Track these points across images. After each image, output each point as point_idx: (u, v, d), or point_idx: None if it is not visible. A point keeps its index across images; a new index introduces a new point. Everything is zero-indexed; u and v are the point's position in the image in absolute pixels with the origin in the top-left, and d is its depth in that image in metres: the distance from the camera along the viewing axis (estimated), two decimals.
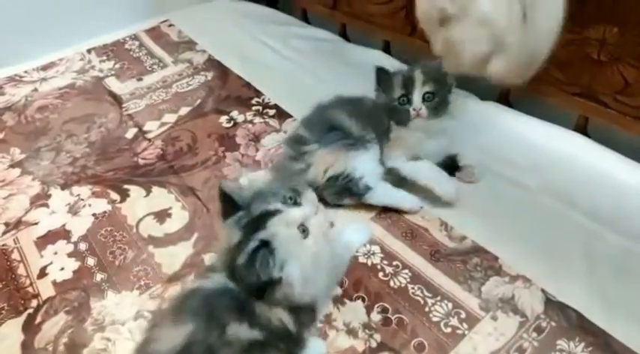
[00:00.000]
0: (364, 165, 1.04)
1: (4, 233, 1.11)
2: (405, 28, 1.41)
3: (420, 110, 1.04)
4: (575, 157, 1.11)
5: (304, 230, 0.73)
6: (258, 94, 1.43)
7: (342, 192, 1.04)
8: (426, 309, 0.88)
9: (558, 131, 1.16)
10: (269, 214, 0.72)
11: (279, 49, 1.58)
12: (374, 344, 0.84)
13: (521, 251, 0.96)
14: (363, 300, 0.91)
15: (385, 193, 1.06)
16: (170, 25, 1.80)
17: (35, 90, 1.56)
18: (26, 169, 1.27)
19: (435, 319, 0.87)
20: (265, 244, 0.70)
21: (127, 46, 1.73)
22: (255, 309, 0.70)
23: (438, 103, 1.05)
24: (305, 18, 1.78)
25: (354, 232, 1.02)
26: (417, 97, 1.04)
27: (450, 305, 0.89)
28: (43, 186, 1.22)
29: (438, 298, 0.90)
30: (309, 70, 1.47)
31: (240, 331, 0.67)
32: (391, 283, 0.93)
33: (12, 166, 1.29)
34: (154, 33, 1.78)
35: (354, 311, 0.89)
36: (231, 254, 0.72)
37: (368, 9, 1.49)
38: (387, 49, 1.52)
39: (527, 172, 1.10)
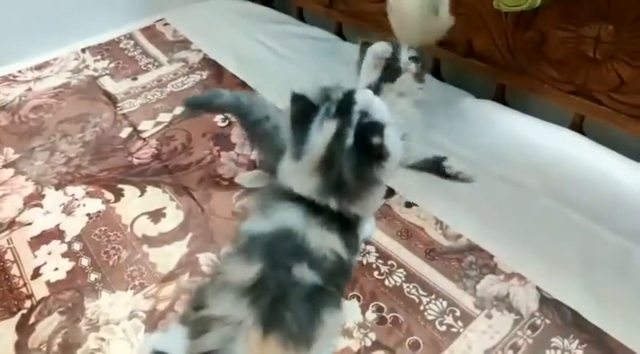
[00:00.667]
0: None
1: None
2: None
3: (409, 66, 1.11)
4: (571, 155, 1.11)
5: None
6: (253, 92, 1.43)
7: None
8: (421, 307, 0.89)
9: (554, 130, 1.17)
10: (351, 94, 0.78)
11: (275, 47, 1.58)
12: (369, 343, 0.84)
13: (516, 249, 0.96)
14: (359, 299, 0.91)
15: None
16: (165, 24, 1.80)
17: (29, 89, 1.55)
18: (20, 169, 1.27)
19: (429, 317, 0.87)
20: (365, 115, 0.76)
21: (121, 45, 1.73)
22: (311, 246, 0.75)
23: (420, 68, 1.13)
24: (301, 16, 1.79)
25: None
26: (404, 57, 1.12)
27: (445, 303, 0.89)
28: (37, 186, 1.22)
29: (433, 296, 0.90)
30: (305, 68, 1.47)
31: (304, 273, 0.73)
32: (386, 282, 0.94)
33: (5, 166, 1.29)
34: (149, 32, 1.77)
35: (350, 311, 0.89)
36: (329, 150, 0.75)
37: (363, 7, 1.49)
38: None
39: (523, 170, 1.10)
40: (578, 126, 1.18)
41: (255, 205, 0.89)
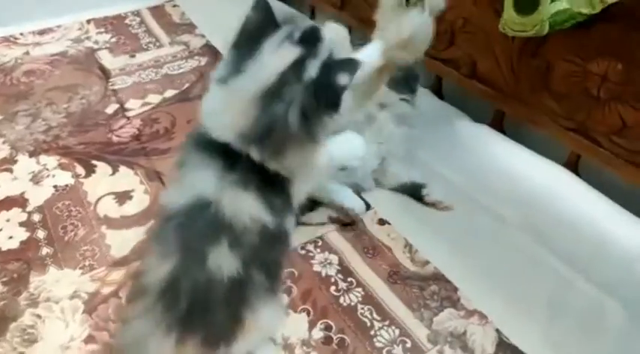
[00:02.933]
0: None
1: None
2: None
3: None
4: (559, 194, 1.06)
5: None
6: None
7: None
8: (372, 332, 0.84)
9: (546, 165, 1.12)
10: (318, 30, 0.67)
11: None
12: None
13: (483, 286, 0.92)
14: (308, 314, 0.87)
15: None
16: (175, 6, 1.79)
17: (27, 53, 1.55)
18: None
19: (378, 344, 0.83)
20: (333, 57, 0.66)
21: (127, 20, 1.72)
22: (227, 217, 0.64)
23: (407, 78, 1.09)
24: (313, 16, 1.76)
25: (343, 143, 0.81)
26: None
27: (397, 332, 0.85)
28: (12, 151, 1.20)
29: (387, 322, 0.86)
30: None
31: (221, 260, 0.63)
32: (341, 300, 0.90)
33: None
34: (157, 12, 1.76)
35: (296, 324, 0.85)
36: (281, 80, 0.63)
37: (371, 14, 1.45)
38: None
39: (505, 202, 1.05)
40: (573, 165, 1.13)
41: (174, 165, 0.73)
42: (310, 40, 0.66)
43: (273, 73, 0.63)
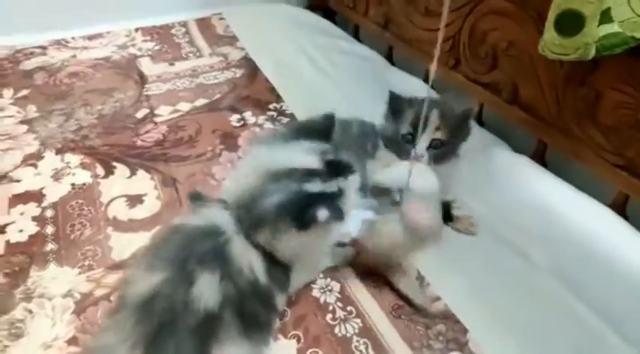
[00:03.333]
0: None
1: None
2: (448, 60, 1.30)
3: (420, 157, 0.94)
4: (599, 237, 0.95)
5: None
6: (279, 100, 1.38)
7: None
8: None
9: (588, 203, 1.01)
10: (352, 170, 0.75)
11: (318, 59, 1.52)
12: None
13: (497, 331, 0.82)
14: (299, 340, 0.81)
15: None
16: (221, 19, 1.81)
17: (74, 56, 1.60)
18: (33, 128, 1.29)
19: None
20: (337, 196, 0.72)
21: (173, 30, 1.75)
22: (231, 252, 0.68)
23: (444, 152, 0.95)
24: (357, 34, 1.72)
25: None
26: (423, 142, 0.94)
27: None
28: (41, 147, 1.23)
29: None
30: (340, 85, 1.41)
31: (206, 292, 0.64)
32: (336, 330, 0.83)
33: (22, 122, 1.32)
34: (203, 23, 1.79)
35: (284, 351, 0.80)
36: (297, 174, 0.70)
37: (416, 34, 1.40)
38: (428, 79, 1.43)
39: (536, 242, 0.95)
40: (620, 206, 1.01)
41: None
42: (338, 168, 0.73)
43: (287, 165, 0.71)
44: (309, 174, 0.70)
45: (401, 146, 0.96)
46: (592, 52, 0.88)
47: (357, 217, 0.89)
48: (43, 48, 1.64)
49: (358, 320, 0.84)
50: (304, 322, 0.84)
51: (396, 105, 0.99)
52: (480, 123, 1.30)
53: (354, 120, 1.03)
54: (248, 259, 0.69)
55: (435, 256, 0.94)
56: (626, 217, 1.00)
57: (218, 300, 0.65)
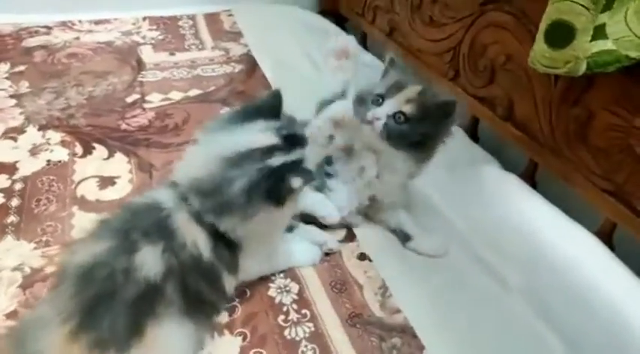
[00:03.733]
0: None
1: None
2: (448, 72, 1.27)
3: (375, 120, 0.85)
4: (581, 267, 0.89)
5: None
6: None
7: None
8: None
9: (574, 230, 0.95)
10: (304, 138, 0.76)
11: (318, 62, 1.50)
12: None
13: (457, 351, 0.77)
14: (245, 338, 0.77)
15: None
16: (229, 15, 1.80)
17: (77, 38, 1.61)
18: (21, 103, 1.29)
19: None
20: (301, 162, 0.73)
21: (180, 22, 1.75)
22: (175, 226, 0.69)
23: (402, 132, 0.85)
24: (364, 42, 1.70)
25: (304, 251, 0.91)
26: (387, 107, 0.85)
27: None
28: (25, 122, 1.22)
29: None
30: (335, 86, 1.38)
31: (148, 261, 0.65)
32: (286, 332, 0.79)
33: (12, 96, 1.32)
34: (211, 18, 1.78)
35: (226, 348, 0.76)
36: (257, 153, 0.70)
37: (418, 43, 1.37)
38: None
39: (512, 263, 0.91)
40: (606, 234, 0.96)
41: None
42: (293, 140, 0.73)
43: (245, 146, 0.70)
44: (270, 150, 0.70)
45: (366, 105, 0.89)
46: (582, 68, 0.84)
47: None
48: (48, 28, 1.65)
49: (311, 324, 0.80)
50: (254, 320, 0.80)
51: (390, 68, 0.95)
52: (475, 139, 1.26)
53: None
54: (192, 235, 0.70)
55: (403, 267, 0.91)
56: (612, 246, 0.95)
57: (160, 271, 0.65)
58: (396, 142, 0.86)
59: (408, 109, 0.85)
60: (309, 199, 0.91)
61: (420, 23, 1.36)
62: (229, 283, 0.76)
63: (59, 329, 0.62)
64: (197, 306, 0.70)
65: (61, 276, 0.67)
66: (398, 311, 0.83)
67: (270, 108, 0.76)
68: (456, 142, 1.17)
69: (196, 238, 0.70)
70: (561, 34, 0.81)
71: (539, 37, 0.86)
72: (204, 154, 0.73)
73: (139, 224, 0.68)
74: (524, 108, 1.08)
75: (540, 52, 0.85)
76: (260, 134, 0.72)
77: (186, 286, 0.68)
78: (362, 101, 0.90)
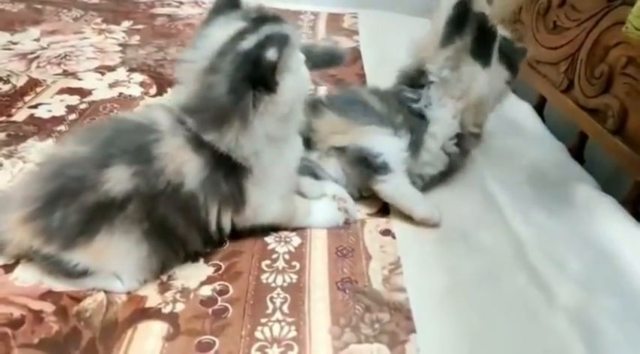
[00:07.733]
0: (385, 145, 0.86)
1: None
2: (561, 83, 1.14)
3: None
4: None
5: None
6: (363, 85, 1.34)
7: (357, 163, 0.87)
8: (262, 321, 0.65)
9: None
10: (281, 20, 0.72)
11: None
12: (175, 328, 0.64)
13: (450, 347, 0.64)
14: (217, 270, 0.73)
15: (403, 185, 0.87)
16: (353, 17, 1.84)
17: (201, 14, 1.76)
18: (124, 50, 1.45)
19: (259, 336, 0.63)
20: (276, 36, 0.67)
21: (302, 16, 1.84)
22: (157, 151, 0.67)
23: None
24: None
25: (326, 211, 0.84)
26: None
27: (293, 334, 0.64)
28: (119, 63, 1.36)
29: (290, 320, 0.66)
30: None
31: (115, 179, 0.65)
32: (263, 277, 0.73)
33: (120, 44, 1.49)
34: (334, 17, 1.84)
35: (193, 272, 0.73)
36: (230, 44, 0.67)
37: (538, 53, 1.25)
38: (540, 107, 1.27)
39: (569, 283, 0.74)
40: None
41: None
42: (264, 19, 0.69)
43: (213, 47, 0.67)
44: (239, 37, 0.67)
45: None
46: None
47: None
48: (180, 2, 1.85)
49: (295, 276, 0.73)
50: (235, 257, 0.76)
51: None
52: (581, 159, 1.09)
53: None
54: (179, 162, 0.68)
55: (430, 248, 0.80)
56: None
57: (125, 191, 0.65)
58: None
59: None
60: (408, 191, 0.87)
61: (543, 31, 1.26)
62: (224, 222, 0.73)
63: (18, 211, 0.66)
64: (162, 234, 0.68)
65: (42, 163, 0.72)
66: (401, 290, 0.71)
67: (227, 2, 0.73)
68: (552, 158, 1.05)
69: (182, 166, 0.68)
70: None
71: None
72: (185, 76, 0.71)
73: (121, 143, 0.68)
74: (639, 119, 0.91)
75: (636, 13, 0.72)
76: (222, 28, 0.69)
77: (152, 210, 0.66)
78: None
